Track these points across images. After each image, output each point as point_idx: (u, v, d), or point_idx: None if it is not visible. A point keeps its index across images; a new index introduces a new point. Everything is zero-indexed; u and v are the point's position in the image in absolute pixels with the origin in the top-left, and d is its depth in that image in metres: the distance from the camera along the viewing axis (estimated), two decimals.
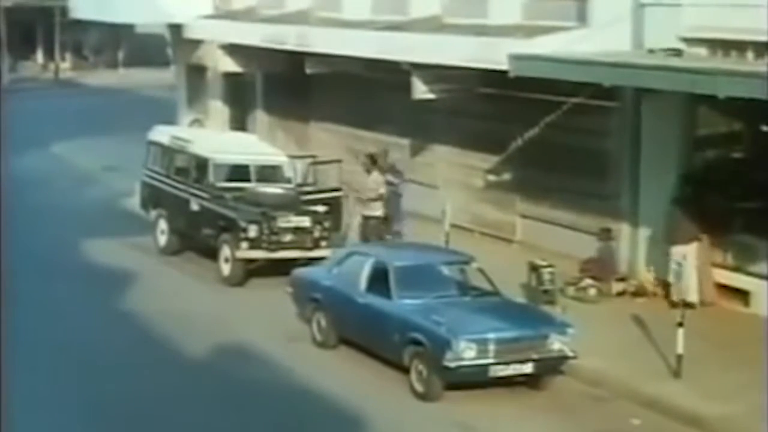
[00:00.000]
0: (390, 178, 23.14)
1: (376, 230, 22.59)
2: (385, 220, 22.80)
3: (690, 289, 17.74)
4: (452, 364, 15.01)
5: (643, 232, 20.21)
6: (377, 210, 22.76)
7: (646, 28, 19.70)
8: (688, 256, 18.03)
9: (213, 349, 17.69)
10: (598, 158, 21.35)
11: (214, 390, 15.89)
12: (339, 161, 25.07)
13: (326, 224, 21.84)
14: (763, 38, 17.63)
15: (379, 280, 16.76)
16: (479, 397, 15.39)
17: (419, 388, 15.52)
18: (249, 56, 30.27)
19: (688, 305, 16.57)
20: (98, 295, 20.57)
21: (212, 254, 22.13)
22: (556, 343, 15.59)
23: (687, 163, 19.55)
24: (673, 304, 17.37)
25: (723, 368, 15.94)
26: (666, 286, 18.95)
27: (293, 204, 22.15)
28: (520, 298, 18.25)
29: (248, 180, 22.80)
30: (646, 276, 19.79)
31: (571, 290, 19.65)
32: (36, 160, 35.18)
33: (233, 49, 30.55)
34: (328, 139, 29.79)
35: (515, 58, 19.67)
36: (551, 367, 15.76)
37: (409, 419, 14.96)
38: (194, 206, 22.83)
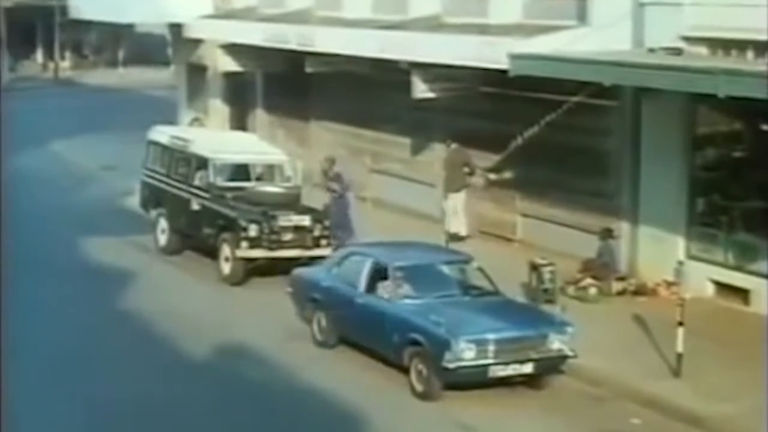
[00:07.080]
0: (334, 186, 23.20)
1: None
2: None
3: (460, 225, 23.15)
4: (452, 365, 14.98)
5: (644, 231, 20.19)
6: None
7: (646, 27, 19.67)
8: (458, 200, 23.43)
9: (212, 348, 17.67)
10: (599, 157, 21.33)
11: (213, 389, 15.88)
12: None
13: (326, 223, 21.83)
14: (763, 37, 17.60)
15: (379, 279, 16.75)
16: (479, 397, 15.36)
17: (419, 388, 15.50)
18: (249, 55, 30.24)
19: (456, 237, 22.18)
20: (98, 293, 20.56)
21: (212, 253, 22.12)
22: (556, 343, 15.56)
23: (690, 162, 19.55)
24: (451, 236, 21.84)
25: (723, 367, 15.92)
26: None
27: (293, 203, 22.16)
28: (520, 298, 18.23)
29: (248, 179, 22.82)
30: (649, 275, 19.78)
31: (571, 289, 19.62)
32: (36, 160, 35.15)
33: (233, 49, 30.51)
34: (329, 138, 29.76)
35: (515, 57, 19.63)
36: (551, 366, 15.73)
37: (409, 419, 14.95)
38: (194, 205, 22.81)
